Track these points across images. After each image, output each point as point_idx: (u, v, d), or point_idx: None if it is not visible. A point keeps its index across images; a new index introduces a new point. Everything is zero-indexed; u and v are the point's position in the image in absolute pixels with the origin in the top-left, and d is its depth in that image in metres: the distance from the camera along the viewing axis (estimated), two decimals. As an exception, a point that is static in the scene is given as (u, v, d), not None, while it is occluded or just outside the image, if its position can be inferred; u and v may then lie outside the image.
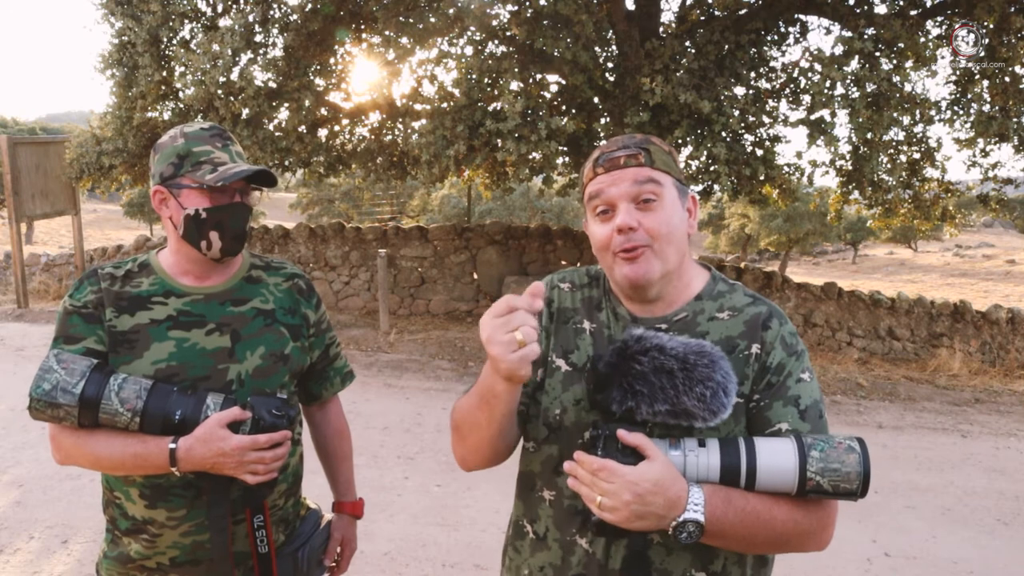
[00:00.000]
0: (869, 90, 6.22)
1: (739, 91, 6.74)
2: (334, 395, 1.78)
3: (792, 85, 7.01)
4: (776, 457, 1.11)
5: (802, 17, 7.49)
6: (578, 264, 10.06)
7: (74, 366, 1.36)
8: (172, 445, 1.36)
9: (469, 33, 7.02)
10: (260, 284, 1.61)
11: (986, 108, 7.36)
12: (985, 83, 7.33)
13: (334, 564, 1.76)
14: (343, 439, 1.82)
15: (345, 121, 8.67)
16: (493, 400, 1.16)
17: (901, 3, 7.02)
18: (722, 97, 6.29)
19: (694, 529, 1.08)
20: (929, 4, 7.26)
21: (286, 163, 8.15)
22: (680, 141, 6.31)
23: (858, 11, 6.71)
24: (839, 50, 6.31)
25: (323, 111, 8.28)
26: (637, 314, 1.30)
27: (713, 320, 1.27)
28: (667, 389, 1.10)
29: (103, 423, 1.37)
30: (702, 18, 7.61)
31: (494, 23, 7.02)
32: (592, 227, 1.30)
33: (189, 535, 1.47)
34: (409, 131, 8.15)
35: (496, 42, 7.33)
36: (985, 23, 6.76)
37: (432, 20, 6.55)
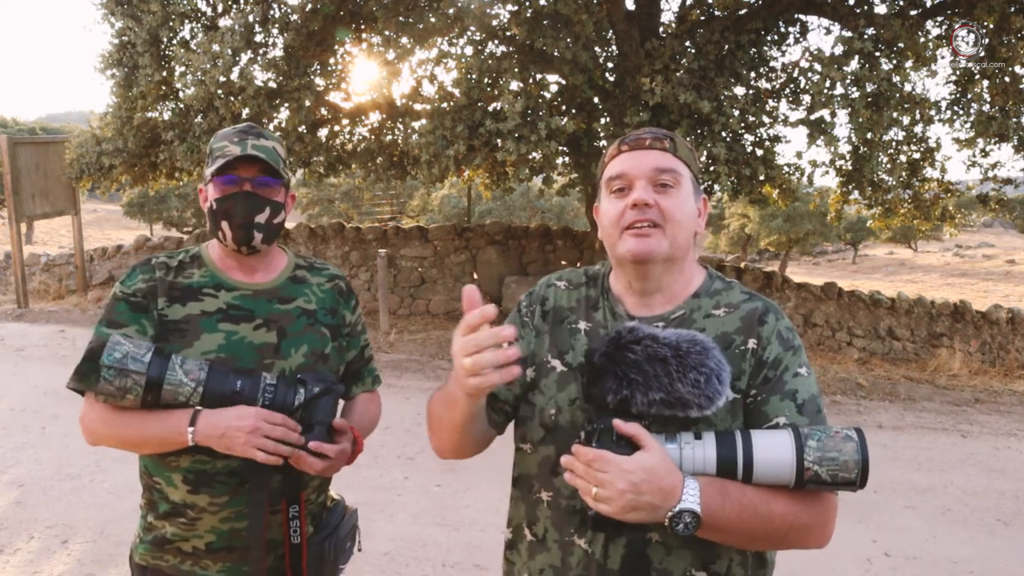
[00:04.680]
0: (869, 90, 6.22)
1: (739, 91, 6.73)
2: (363, 391, 1.76)
3: (792, 85, 7.00)
4: (773, 448, 1.10)
5: (802, 17, 7.49)
6: (578, 264, 10.07)
7: (139, 341, 1.42)
8: (198, 408, 1.41)
9: (469, 33, 7.02)
10: (304, 284, 1.65)
11: (986, 108, 7.36)
12: (985, 83, 7.33)
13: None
14: (371, 405, 1.77)
15: (345, 121, 8.67)
16: (454, 405, 1.20)
17: (901, 3, 7.02)
18: (722, 97, 6.28)
19: (691, 520, 1.07)
20: (929, 4, 7.25)
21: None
22: (680, 141, 6.29)
23: (858, 11, 6.71)
24: (839, 50, 6.31)
25: (323, 111, 8.27)
26: (635, 312, 1.29)
27: (709, 317, 1.27)
28: (661, 377, 1.09)
29: (165, 398, 1.40)
30: (702, 18, 7.61)
31: (494, 23, 7.01)
32: (605, 205, 1.29)
33: (228, 521, 1.51)
34: (409, 131, 8.14)
35: (496, 42, 7.32)
36: (985, 23, 6.75)
37: (432, 20, 6.55)
